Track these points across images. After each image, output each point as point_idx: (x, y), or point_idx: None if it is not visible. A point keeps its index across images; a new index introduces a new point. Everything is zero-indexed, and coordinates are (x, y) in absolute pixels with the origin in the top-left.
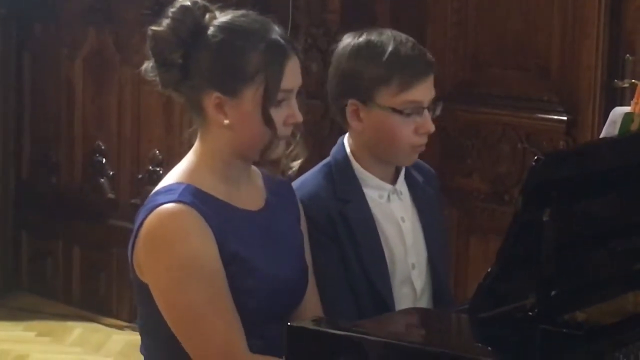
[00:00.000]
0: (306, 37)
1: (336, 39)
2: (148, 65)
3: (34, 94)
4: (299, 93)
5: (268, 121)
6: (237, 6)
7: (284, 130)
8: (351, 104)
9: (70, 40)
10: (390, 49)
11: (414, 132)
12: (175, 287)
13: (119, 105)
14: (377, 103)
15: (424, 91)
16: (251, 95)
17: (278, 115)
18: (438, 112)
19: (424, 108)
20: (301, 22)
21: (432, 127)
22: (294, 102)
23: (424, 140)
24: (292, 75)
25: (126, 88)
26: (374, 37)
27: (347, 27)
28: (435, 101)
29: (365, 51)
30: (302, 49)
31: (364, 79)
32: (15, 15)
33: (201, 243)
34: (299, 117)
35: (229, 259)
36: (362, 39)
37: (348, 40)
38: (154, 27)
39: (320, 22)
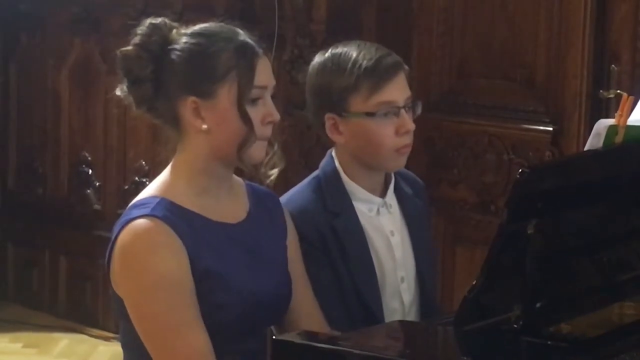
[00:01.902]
0: (292, 47)
1: (322, 50)
2: (122, 87)
3: (20, 104)
4: (273, 96)
5: (244, 117)
6: (223, 17)
7: (262, 130)
8: (328, 118)
9: (56, 50)
10: (353, 56)
11: (394, 133)
12: (144, 300)
13: (105, 116)
14: (352, 112)
15: (395, 91)
16: (225, 94)
17: (255, 114)
18: (419, 111)
19: (399, 108)
20: (287, 33)
21: (411, 126)
22: (269, 101)
23: (406, 140)
24: (264, 73)
25: (112, 98)
26: (338, 49)
27: (333, 38)
28: (414, 100)
29: (330, 64)
30: (288, 60)
31: (334, 92)
32: (1, 25)
33: (171, 258)
34: (276, 116)
35: (202, 273)
36: (327, 54)
37: (316, 59)
38: (122, 49)
39: (306, 33)
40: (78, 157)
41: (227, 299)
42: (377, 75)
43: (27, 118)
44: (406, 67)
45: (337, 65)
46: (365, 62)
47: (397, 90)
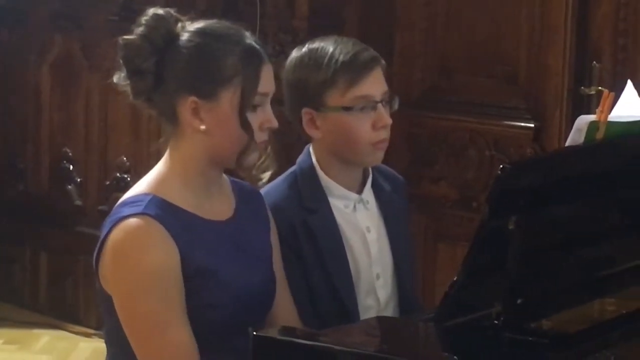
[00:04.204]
0: (274, 43)
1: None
2: (119, 75)
3: (0, 100)
4: (271, 101)
5: (245, 125)
6: (205, 12)
7: (260, 135)
8: (305, 113)
9: (38, 46)
10: (330, 51)
11: (371, 128)
12: (133, 297)
13: (86, 112)
14: (329, 106)
15: (372, 85)
16: (228, 99)
17: (254, 120)
18: (396, 106)
19: (376, 102)
20: (269, 29)
21: (388, 120)
22: (268, 107)
23: (383, 135)
24: (267, 80)
25: (94, 95)
26: (315, 44)
27: (315, 34)
28: (391, 95)
29: (307, 59)
30: (270, 56)
31: (311, 86)
32: None
33: (163, 256)
34: (275, 122)
35: (194, 271)
36: (304, 49)
37: (293, 54)
38: (125, 37)
39: (288, 29)
40: (59, 154)
41: (219, 297)
42: (354, 70)
43: (8, 114)
44: (383, 61)
45: (314, 60)
46: (342, 56)
47: (374, 85)
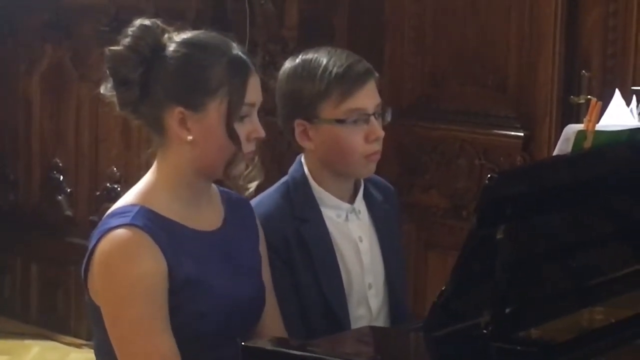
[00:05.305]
0: (264, 53)
1: (293, 56)
2: (106, 86)
3: None
4: (258, 111)
5: (232, 135)
6: (195, 22)
7: (247, 146)
8: (298, 124)
9: (28, 56)
10: (324, 63)
11: (364, 140)
12: (119, 305)
13: (76, 122)
14: (322, 118)
15: (365, 98)
16: (215, 109)
17: (241, 130)
18: (388, 118)
19: (369, 115)
20: (258, 39)
21: (381, 133)
22: (256, 118)
23: (375, 147)
24: (254, 90)
25: (84, 105)
26: (309, 55)
27: (305, 44)
28: (383, 107)
29: (301, 70)
30: (260, 66)
31: (304, 97)
32: None
33: (150, 267)
34: (262, 133)
35: (183, 282)
36: (298, 60)
37: (287, 64)
38: (112, 47)
39: (278, 39)
40: (49, 164)
41: (208, 307)
42: (348, 82)
43: None
44: (376, 74)
45: (307, 71)
46: (335, 68)
47: (367, 97)
